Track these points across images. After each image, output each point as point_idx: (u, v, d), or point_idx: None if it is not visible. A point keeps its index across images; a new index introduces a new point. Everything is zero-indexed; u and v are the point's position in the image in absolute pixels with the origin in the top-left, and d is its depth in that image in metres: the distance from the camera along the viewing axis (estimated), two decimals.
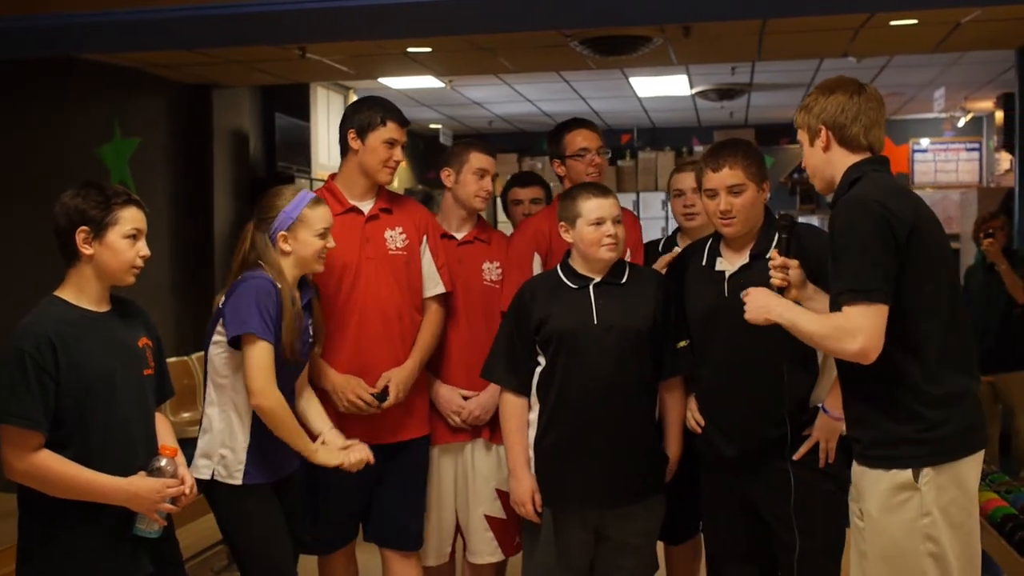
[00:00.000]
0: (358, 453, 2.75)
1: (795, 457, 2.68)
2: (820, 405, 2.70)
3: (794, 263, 2.47)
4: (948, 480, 2.19)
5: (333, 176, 3.20)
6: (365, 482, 3.02)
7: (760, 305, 2.35)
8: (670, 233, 3.54)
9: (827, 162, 2.38)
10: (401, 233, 3.11)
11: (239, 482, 2.67)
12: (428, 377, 3.21)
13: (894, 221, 2.17)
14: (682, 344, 2.86)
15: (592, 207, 2.83)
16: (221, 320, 2.67)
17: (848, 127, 2.34)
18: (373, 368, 3.03)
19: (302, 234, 2.74)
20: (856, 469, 2.32)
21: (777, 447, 2.69)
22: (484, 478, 3.23)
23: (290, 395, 2.75)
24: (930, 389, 2.19)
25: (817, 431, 2.69)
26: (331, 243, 2.79)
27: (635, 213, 9.39)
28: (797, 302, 2.40)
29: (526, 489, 2.87)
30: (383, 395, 2.99)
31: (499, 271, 3.26)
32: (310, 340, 2.82)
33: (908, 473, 2.19)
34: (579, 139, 3.36)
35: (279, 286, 2.67)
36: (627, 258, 3.11)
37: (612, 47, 5.35)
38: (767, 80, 8.41)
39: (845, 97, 2.34)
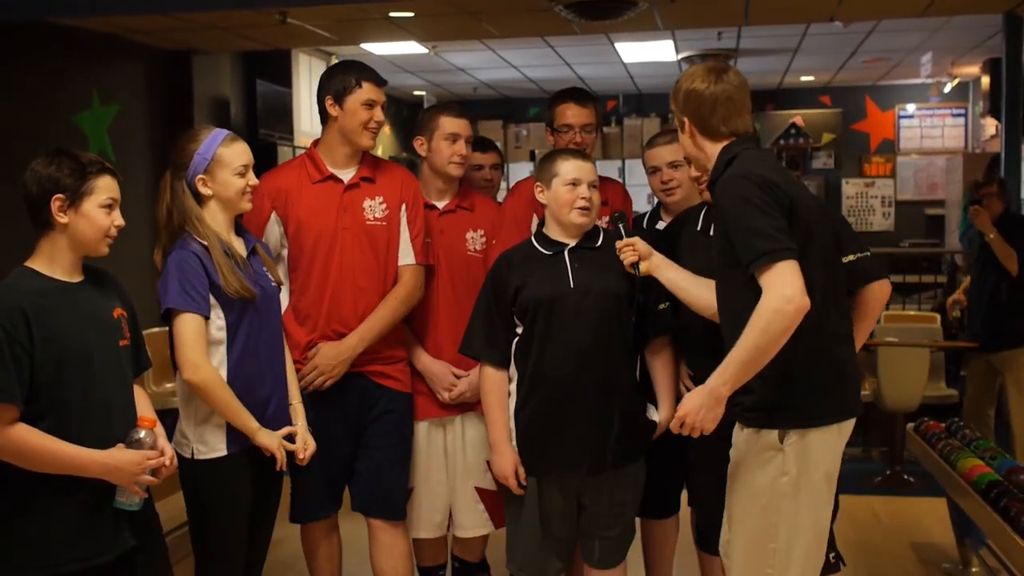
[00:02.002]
0: (301, 450, 2.74)
1: None
2: None
3: (635, 239, 2.74)
4: (814, 445, 2.31)
5: (315, 143, 3.15)
6: (344, 448, 3.02)
7: (697, 405, 2.28)
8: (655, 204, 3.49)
9: (697, 148, 2.49)
10: (381, 203, 3.06)
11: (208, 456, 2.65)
12: (413, 345, 3.17)
13: (777, 191, 2.27)
14: (663, 306, 2.86)
15: (569, 168, 2.82)
16: None
17: (708, 119, 2.44)
18: None
19: (220, 174, 2.66)
20: (736, 428, 2.43)
21: None
22: (475, 450, 3.21)
23: (276, 338, 2.74)
24: (806, 358, 2.26)
25: None
26: (253, 180, 2.71)
27: (621, 180, 9.35)
28: (647, 276, 2.67)
29: (509, 462, 2.86)
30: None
31: (483, 240, 3.22)
32: (274, 284, 2.78)
33: (775, 434, 2.31)
34: (567, 113, 3.33)
35: (204, 243, 2.61)
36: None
37: (597, 11, 5.27)
38: (753, 45, 8.35)
39: (703, 87, 2.43)
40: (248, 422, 2.64)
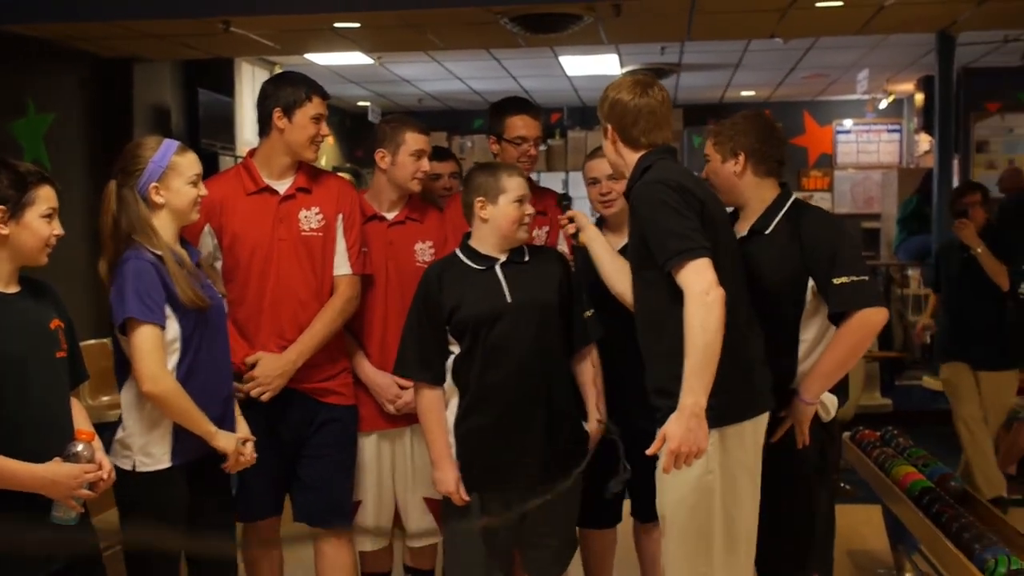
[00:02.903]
0: (248, 455, 2.72)
1: (772, 439, 2.66)
2: (793, 388, 2.69)
3: (576, 212, 2.97)
4: (731, 441, 2.40)
5: (252, 153, 3.12)
6: (284, 458, 3.01)
7: (684, 431, 2.28)
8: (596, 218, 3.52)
9: (617, 154, 2.62)
10: (318, 213, 3.05)
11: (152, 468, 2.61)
12: (357, 357, 3.16)
13: (690, 195, 2.39)
14: (588, 314, 2.91)
15: (515, 185, 2.85)
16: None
17: (629, 129, 2.56)
18: None
19: (175, 183, 2.62)
20: (659, 433, 2.42)
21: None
22: (424, 461, 3.20)
23: (225, 348, 2.73)
24: (720, 359, 2.31)
25: (791, 414, 2.69)
26: (203, 191, 2.68)
27: (566, 192, 9.39)
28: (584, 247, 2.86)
29: (451, 479, 2.86)
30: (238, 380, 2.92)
31: (432, 251, 3.22)
32: (221, 296, 2.76)
33: None
34: (519, 125, 3.33)
35: (159, 253, 2.58)
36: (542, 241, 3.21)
37: (542, 25, 5.32)
38: (696, 60, 8.47)
39: (628, 98, 2.55)
40: (207, 426, 2.61)
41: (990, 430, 5.09)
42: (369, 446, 3.19)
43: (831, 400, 2.74)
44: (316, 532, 3.11)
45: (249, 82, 7.73)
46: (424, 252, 3.21)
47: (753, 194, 2.75)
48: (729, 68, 9.00)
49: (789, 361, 2.69)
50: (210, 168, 6.49)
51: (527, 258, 2.90)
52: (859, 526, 4.56)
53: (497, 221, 2.84)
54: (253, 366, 2.96)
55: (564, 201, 3.09)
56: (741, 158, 2.72)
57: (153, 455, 2.62)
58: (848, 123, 11.58)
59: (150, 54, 6.23)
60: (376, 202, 3.23)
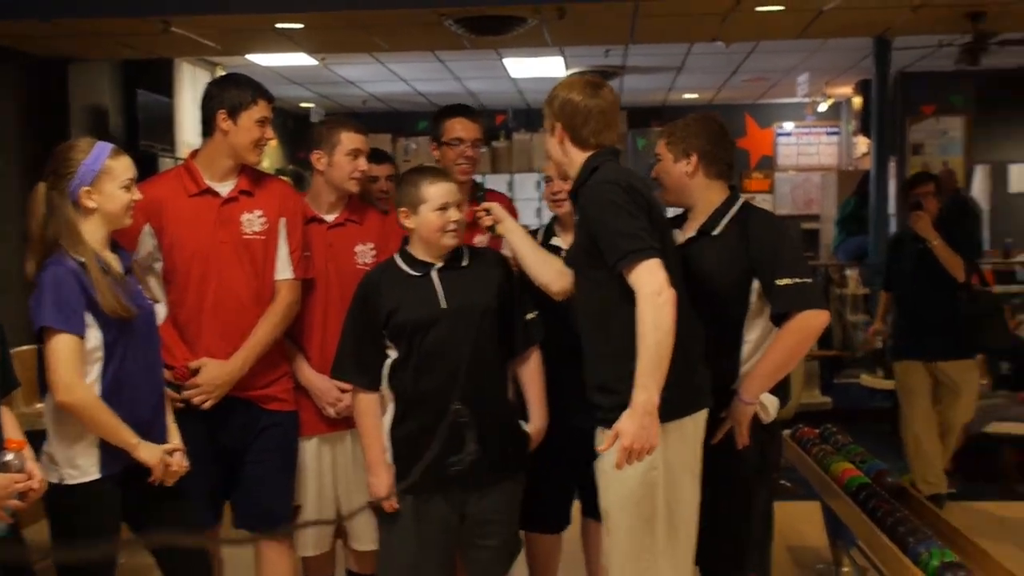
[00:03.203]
0: (177, 465, 2.66)
1: (713, 441, 2.67)
2: (734, 388, 2.71)
3: (491, 204, 2.96)
4: (673, 437, 2.42)
5: (193, 154, 3.08)
6: (226, 458, 2.98)
7: (636, 428, 2.31)
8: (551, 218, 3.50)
9: (563, 153, 2.62)
10: (260, 216, 3.02)
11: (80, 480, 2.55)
12: (297, 360, 3.13)
13: (640, 197, 2.42)
14: (531, 316, 2.91)
15: (437, 192, 2.80)
16: None
17: (579, 129, 2.57)
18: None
19: (108, 187, 2.56)
20: (599, 436, 2.49)
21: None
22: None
23: (155, 356, 2.66)
24: None
25: (731, 415, 2.71)
26: (137, 195, 2.63)
27: (509, 195, 9.43)
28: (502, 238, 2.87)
29: (384, 483, 2.85)
30: (179, 386, 2.88)
31: (373, 253, 3.20)
32: (151, 302, 2.71)
33: None
34: (456, 127, 3.35)
35: (82, 260, 2.51)
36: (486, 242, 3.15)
37: (487, 27, 5.33)
38: (640, 63, 8.54)
39: (580, 99, 2.56)
40: (128, 438, 2.54)
41: (957, 425, 4.98)
42: (310, 450, 3.17)
43: (771, 401, 2.76)
44: (257, 538, 3.07)
45: (189, 83, 7.62)
46: (365, 254, 3.20)
47: (702, 195, 2.78)
48: (672, 71, 9.09)
49: (732, 361, 2.73)
50: (149, 170, 6.42)
51: (466, 263, 2.89)
52: (799, 522, 4.62)
53: (420, 231, 2.82)
54: (197, 371, 2.92)
55: (479, 193, 3.07)
56: (693, 159, 2.75)
57: (80, 467, 2.55)
58: (788, 126, 11.77)
59: (87, 54, 6.11)
60: (315, 204, 3.21)
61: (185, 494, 2.87)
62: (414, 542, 2.83)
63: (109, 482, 2.58)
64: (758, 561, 2.82)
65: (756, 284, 2.68)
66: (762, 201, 11.80)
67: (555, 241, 3.18)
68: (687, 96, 10.76)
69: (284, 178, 4.10)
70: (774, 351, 2.66)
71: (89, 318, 2.50)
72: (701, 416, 2.54)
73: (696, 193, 2.79)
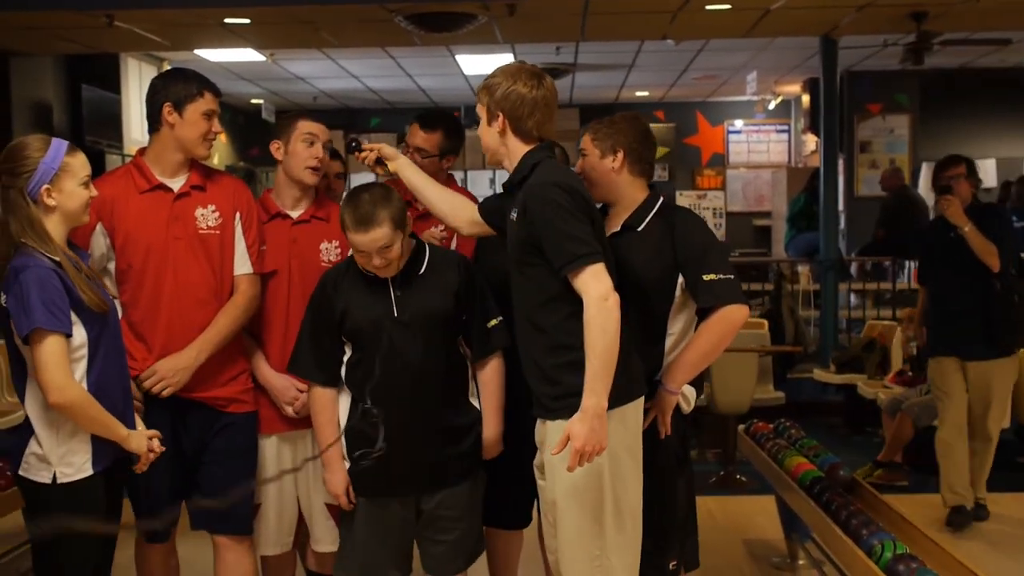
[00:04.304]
0: (157, 448, 2.65)
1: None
2: (658, 379, 2.75)
3: (380, 144, 2.91)
4: (615, 423, 2.44)
5: (142, 151, 3.03)
6: (186, 460, 2.93)
7: (587, 430, 2.33)
8: None
9: (501, 144, 2.59)
10: (214, 211, 2.97)
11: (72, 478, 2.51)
12: (256, 358, 3.09)
13: (582, 200, 2.45)
14: (493, 323, 2.88)
15: (355, 242, 2.71)
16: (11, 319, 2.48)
17: (524, 120, 2.54)
18: None
19: (67, 185, 2.51)
20: (540, 427, 2.55)
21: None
22: None
23: (122, 350, 2.65)
24: None
25: (655, 404, 2.75)
26: (94, 192, 2.59)
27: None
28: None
29: (340, 481, 2.84)
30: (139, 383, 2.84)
31: (339, 251, 3.17)
32: (113, 298, 2.68)
33: None
34: (409, 132, 3.34)
35: (56, 258, 2.48)
36: (453, 245, 3.12)
37: (437, 24, 5.31)
38: (591, 61, 8.57)
39: (526, 90, 2.54)
40: (119, 431, 2.54)
41: (993, 432, 4.57)
42: (269, 448, 3.13)
43: (691, 392, 2.84)
44: (216, 539, 3.03)
45: (136, 79, 7.49)
46: (330, 252, 3.16)
47: (626, 191, 2.81)
48: (623, 69, 9.13)
49: (656, 353, 2.78)
50: (96, 167, 6.29)
51: (423, 269, 2.86)
52: (754, 516, 4.66)
53: (355, 253, 2.78)
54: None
55: (353, 143, 3.04)
56: (620, 155, 2.77)
57: (74, 464, 2.52)
58: (739, 123, 11.89)
59: (28, 48, 5.98)
60: (279, 199, 3.17)
61: (149, 492, 2.85)
62: (372, 540, 2.82)
63: (101, 477, 2.56)
64: (679, 549, 2.84)
65: (680, 279, 2.74)
66: (714, 198, 11.92)
67: None
68: (639, 94, 10.82)
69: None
70: (699, 342, 2.73)
71: (73, 316, 2.48)
72: (639, 403, 2.59)
73: (621, 189, 2.82)
